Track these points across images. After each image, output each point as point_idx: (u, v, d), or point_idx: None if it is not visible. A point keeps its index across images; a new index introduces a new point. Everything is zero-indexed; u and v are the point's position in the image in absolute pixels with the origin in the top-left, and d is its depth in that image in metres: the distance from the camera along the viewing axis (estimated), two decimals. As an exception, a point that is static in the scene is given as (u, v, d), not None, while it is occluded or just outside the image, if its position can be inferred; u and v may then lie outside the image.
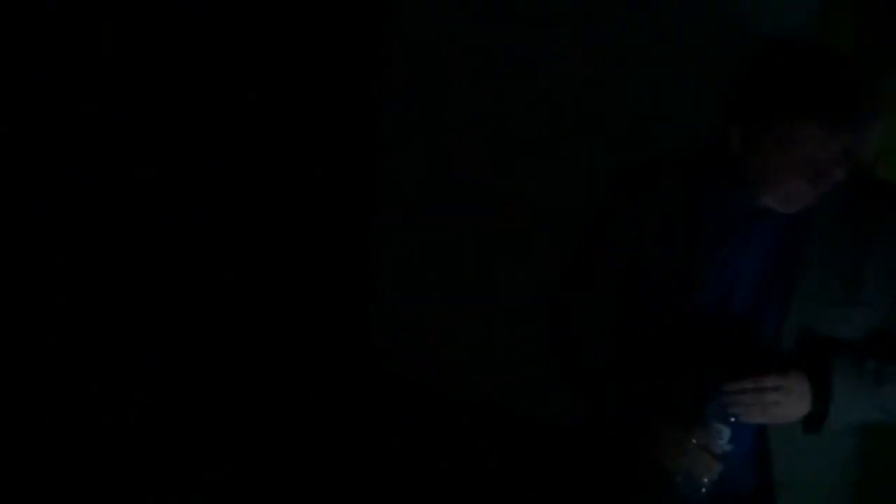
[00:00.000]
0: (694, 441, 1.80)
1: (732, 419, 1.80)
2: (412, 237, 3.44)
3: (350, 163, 3.55)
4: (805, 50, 1.72)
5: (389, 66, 3.39)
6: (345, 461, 3.27)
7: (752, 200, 1.79)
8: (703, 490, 1.83)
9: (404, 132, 3.40)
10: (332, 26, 3.46)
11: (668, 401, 1.87)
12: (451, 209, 3.33)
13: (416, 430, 3.31)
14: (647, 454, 1.87)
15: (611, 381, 1.93)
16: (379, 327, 3.57)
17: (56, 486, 3.05)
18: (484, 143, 3.22)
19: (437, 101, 3.30)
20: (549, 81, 3.05)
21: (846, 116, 1.65)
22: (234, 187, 3.52)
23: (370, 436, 3.35)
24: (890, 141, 2.49)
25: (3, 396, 3.23)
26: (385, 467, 3.22)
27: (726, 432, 1.80)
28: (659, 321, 1.86)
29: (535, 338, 2.01)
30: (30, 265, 3.33)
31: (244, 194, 3.54)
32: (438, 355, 3.40)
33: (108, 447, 3.20)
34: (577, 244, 1.98)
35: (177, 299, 3.49)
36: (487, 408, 3.26)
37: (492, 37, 3.14)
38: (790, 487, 1.85)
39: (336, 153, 3.56)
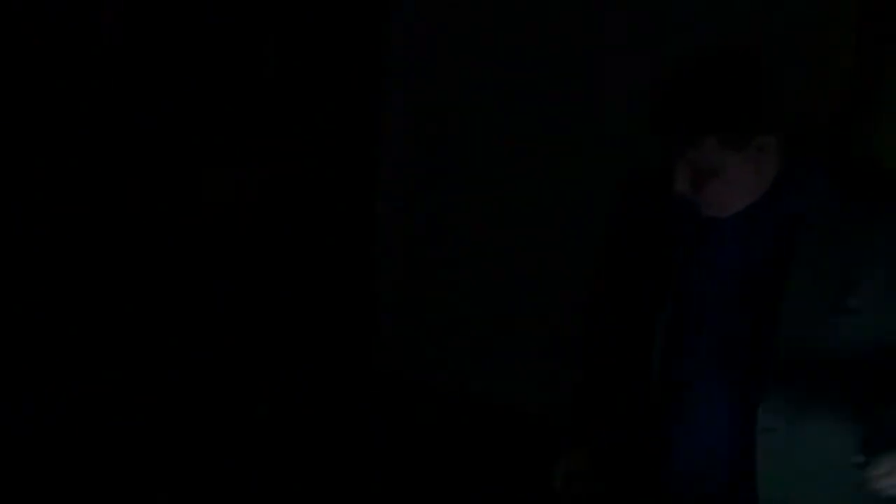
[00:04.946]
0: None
1: None
2: (414, 236, 3.44)
3: (352, 160, 3.55)
4: (695, 59, 1.68)
5: (388, 69, 3.39)
6: (346, 461, 3.27)
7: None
8: None
9: (406, 132, 3.41)
10: (332, 26, 3.46)
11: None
12: (453, 209, 3.33)
13: (418, 430, 3.32)
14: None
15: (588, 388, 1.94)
16: (381, 327, 3.58)
17: (56, 486, 3.04)
18: (486, 142, 3.23)
19: (437, 104, 3.31)
20: (550, 82, 3.06)
21: (670, 129, 1.64)
22: (235, 189, 3.52)
23: (371, 435, 3.35)
24: (890, 141, 2.51)
25: (2, 396, 3.22)
26: (386, 467, 3.22)
27: None
28: (640, 331, 1.80)
29: (535, 337, 2.01)
30: (30, 265, 3.32)
31: (244, 195, 3.53)
32: (441, 354, 3.41)
33: (108, 448, 3.19)
34: (600, 248, 1.95)
35: (177, 299, 3.48)
36: (489, 406, 3.26)
37: (492, 37, 3.14)
38: None
39: (339, 151, 3.56)
